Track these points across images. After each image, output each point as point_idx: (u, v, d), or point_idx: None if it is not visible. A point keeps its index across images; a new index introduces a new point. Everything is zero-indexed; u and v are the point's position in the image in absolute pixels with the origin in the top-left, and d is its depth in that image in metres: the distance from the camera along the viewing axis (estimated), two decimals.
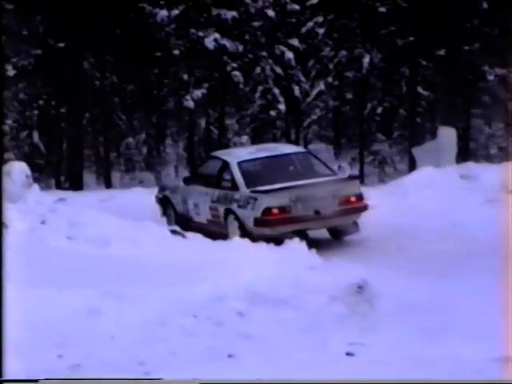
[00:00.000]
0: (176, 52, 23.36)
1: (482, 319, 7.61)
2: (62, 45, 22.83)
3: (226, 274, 8.78)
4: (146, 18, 23.00)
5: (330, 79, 24.05)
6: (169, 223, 12.99)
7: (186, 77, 23.58)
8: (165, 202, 13.64)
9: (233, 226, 11.85)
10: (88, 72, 24.08)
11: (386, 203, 13.84)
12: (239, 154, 12.89)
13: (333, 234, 12.29)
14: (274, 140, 23.65)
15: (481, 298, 8.27)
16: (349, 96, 25.27)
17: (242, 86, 23.45)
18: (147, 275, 8.80)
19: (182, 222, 12.66)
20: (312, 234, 11.80)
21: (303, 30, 23.64)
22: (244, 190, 11.78)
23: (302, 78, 23.83)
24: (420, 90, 23.71)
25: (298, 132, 25.30)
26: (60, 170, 24.62)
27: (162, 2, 23.03)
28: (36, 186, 13.38)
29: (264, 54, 23.42)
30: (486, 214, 12.36)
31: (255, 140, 23.24)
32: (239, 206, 11.75)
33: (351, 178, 12.48)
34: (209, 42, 22.88)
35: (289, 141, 24.49)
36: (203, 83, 23.57)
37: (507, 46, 22.90)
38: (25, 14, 22.14)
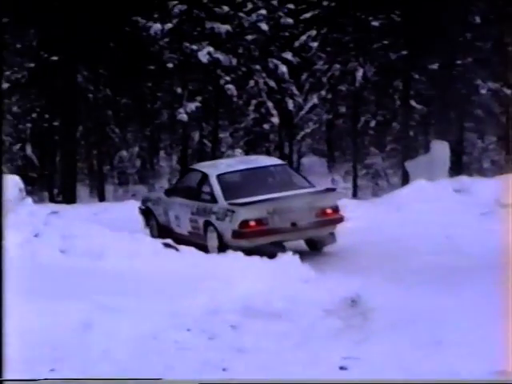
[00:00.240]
0: (170, 65, 23.39)
1: (477, 333, 7.60)
2: (55, 58, 22.85)
3: (219, 288, 8.77)
4: (140, 31, 23.03)
5: (323, 93, 24.10)
6: (151, 234, 13.10)
7: (179, 90, 23.60)
8: (147, 214, 13.79)
9: (212, 237, 12.00)
10: (82, 85, 24.09)
11: (379, 217, 13.85)
12: (218, 166, 13.04)
13: (310, 246, 12.39)
14: (268, 153, 23.65)
15: (475, 311, 8.26)
16: (342, 109, 25.33)
17: (235, 99, 23.48)
18: (141, 288, 8.78)
19: (164, 234, 12.76)
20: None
21: (297, 43, 23.70)
22: (222, 203, 11.92)
23: (296, 92, 23.88)
24: (413, 103, 23.77)
25: (291, 145, 25.33)
26: (53, 183, 24.59)
27: (155, 16, 23.07)
28: (29, 199, 13.32)
29: (257, 67, 23.47)
30: (479, 228, 12.38)
31: (249, 153, 23.23)
32: (217, 219, 11.91)
33: (328, 190, 12.63)
34: (202, 56, 22.91)
35: (282, 154, 24.53)
36: (197, 96, 23.59)
37: (500, 59, 23.02)
38: (18, 27, 22.15)
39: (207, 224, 12.11)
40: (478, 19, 23.15)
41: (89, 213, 16.03)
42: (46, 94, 23.53)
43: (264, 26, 23.20)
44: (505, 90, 23.25)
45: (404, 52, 23.23)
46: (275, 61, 23.48)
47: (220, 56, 22.99)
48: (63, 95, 23.15)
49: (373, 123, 24.34)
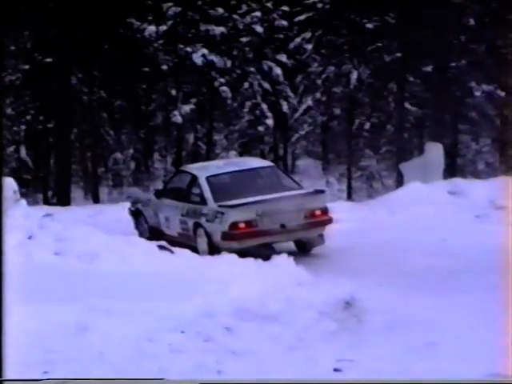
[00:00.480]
0: (164, 67, 23.37)
1: (472, 336, 7.62)
2: (49, 60, 22.81)
3: (214, 290, 8.77)
4: (134, 33, 23.01)
5: (317, 95, 24.11)
6: (141, 236, 13.10)
7: (174, 92, 23.59)
8: (137, 215, 13.77)
9: (202, 239, 12.04)
10: (76, 87, 24.05)
11: (374, 219, 13.87)
12: (208, 168, 13.10)
13: (299, 247, 12.41)
14: (262, 155, 23.66)
15: (470, 313, 8.28)
16: (337, 111, 25.30)
17: (230, 101, 23.48)
18: (135, 291, 8.77)
19: (154, 235, 12.78)
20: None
21: (291, 45, 23.70)
22: (212, 205, 11.97)
23: (290, 94, 23.88)
24: (407, 105, 23.78)
25: (285, 147, 25.33)
26: (47, 185, 24.54)
27: (150, 18, 23.05)
28: (23, 202, 13.33)
29: (252, 69, 23.46)
30: (474, 230, 12.40)
31: (243, 155, 23.22)
32: (207, 220, 11.97)
33: (317, 191, 12.65)
34: (197, 58, 22.90)
35: (277, 156, 24.54)
36: (191, 98, 23.58)
37: (494, 62, 23.05)
38: (12, 29, 22.12)
39: (197, 226, 12.15)
40: (472, 21, 23.16)
41: (83, 215, 16.02)
42: (41, 95, 23.48)
43: (258, 28, 23.21)
44: (499, 92, 23.25)
45: (398, 54, 23.23)
46: (270, 63, 23.48)
47: (214, 58, 22.98)
48: (57, 97, 23.11)
49: (367, 125, 24.34)
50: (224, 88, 23.19)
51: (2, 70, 19.24)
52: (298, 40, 23.70)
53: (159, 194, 13.46)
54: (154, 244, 11.34)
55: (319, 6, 23.59)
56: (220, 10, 23.11)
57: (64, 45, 22.52)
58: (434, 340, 7.68)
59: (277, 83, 23.62)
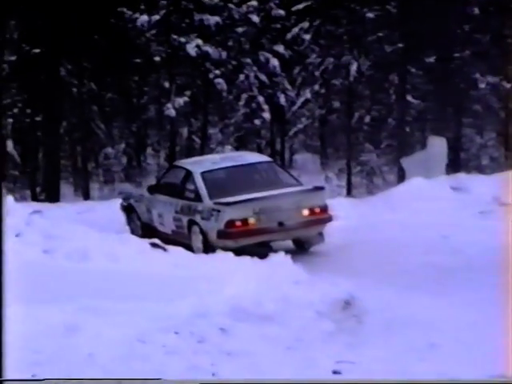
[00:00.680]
0: (157, 58, 23.38)
1: (474, 335, 7.65)
2: (37, 50, 22.80)
3: (208, 289, 8.79)
4: (126, 23, 23.01)
5: (316, 87, 24.13)
6: (133, 233, 13.12)
7: (167, 84, 23.61)
8: (130, 211, 13.78)
9: (196, 237, 12.04)
10: (65, 79, 24.06)
11: (374, 216, 13.90)
12: (203, 163, 13.06)
13: (297, 245, 12.41)
14: (259, 150, 23.69)
15: (473, 313, 8.32)
16: (336, 104, 25.34)
17: (225, 93, 23.50)
18: (127, 290, 8.79)
19: (147, 232, 12.78)
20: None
21: (289, 36, 23.72)
22: (207, 202, 11.96)
23: (288, 86, 23.90)
24: (409, 98, 23.82)
25: (283, 141, 25.37)
26: (36, 181, 24.55)
27: (142, 7, 23.05)
28: (10, 198, 13.34)
29: (248, 60, 23.48)
30: (478, 227, 12.43)
31: (239, 150, 23.25)
32: (202, 218, 11.96)
33: (316, 188, 12.60)
34: (191, 49, 22.91)
35: (274, 150, 24.57)
36: (185, 91, 23.59)
37: (499, 53, 23.08)
38: None
39: (191, 223, 12.14)
40: (476, 10, 23.20)
41: (73, 212, 16.03)
42: (28, 88, 23.47)
43: (255, 18, 23.22)
44: (504, 84, 23.31)
45: (400, 45, 23.26)
46: (266, 54, 23.50)
47: (209, 49, 22.99)
48: (46, 89, 23.10)
49: (367, 119, 24.37)
50: (219, 80, 23.21)
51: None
52: (295, 30, 23.72)
53: (152, 190, 13.45)
54: (146, 242, 11.37)
55: None
56: None
57: (52, 35, 22.52)
58: (435, 341, 7.72)
59: (274, 75, 23.64)
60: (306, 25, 23.63)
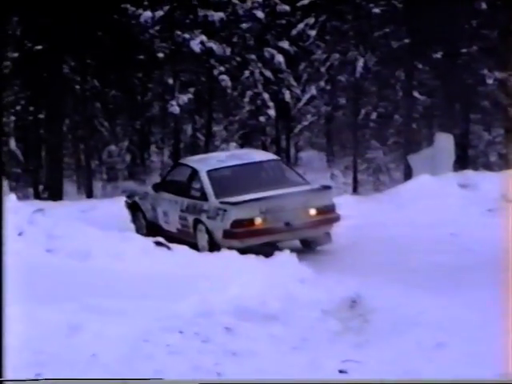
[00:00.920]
0: (160, 55, 23.39)
1: (482, 335, 7.64)
2: (40, 47, 22.82)
3: (213, 288, 8.79)
4: (129, 19, 23.03)
5: (322, 83, 24.12)
6: (138, 231, 13.14)
7: (171, 81, 23.60)
8: (134, 209, 13.78)
9: (202, 236, 12.02)
10: (68, 76, 24.07)
11: (381, 213, 13.88)
12: (209, 161, 13.00)
13: (304, 245, 12.40)
14: (264, 147, 23.68)
15: (480, 312, 8.29)
16: (342, 101, 25.31)
17: (229, 90, 23.49)
18: (131, 289, 8.80)
19: (152, 231, 12.78)
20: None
21: (294, 31, 23.71)
22: (213, 201, 11.93)
23: (293, 83, 23.89)
24: (416, 94, 23.78)
25: (288, 139, 25.37)
26: (38, 179, 24.56)
27: (145, 3, 23.07)
28: (13, 196, 13.35)
29: (253, 57, 23.48)
30: (485, 225, 12.41)
31: (244, 147, 23.25)
32: (208, 217, 11.92)
33: (323, 187, 12.54)
34: (195, 45, 22.91)
35: (279, 148, 24.56)
36: (189, 88, 23.59)
37: (507, 48, 23.02)
38: (1, 15, 22.12)
39: (197, 222, 12.12)
40: (484, 5, 23.16)
41: (76, 210, 16.03)
42: (31, 85, 23.51)
43: (259, 14, 23.21)
44: None
45: (406, 40, 23.22)
46: (271, 50, 23.50)
47: (213, 45, 22.99)
48: (48, 87, 23.12)
49: (374, 115, 24.34)
50: (223, 77, 23.20)
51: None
52: (300, 26, 23.71)
53: (157, 187, 13.44)
54: (150, 240, 11.37)
55: None
56: None
57: (55, 31, 22.52)
58: (443, 340, 7.70)
59: (279, 71, 23.64)
60: (311, 20, 23.62)
